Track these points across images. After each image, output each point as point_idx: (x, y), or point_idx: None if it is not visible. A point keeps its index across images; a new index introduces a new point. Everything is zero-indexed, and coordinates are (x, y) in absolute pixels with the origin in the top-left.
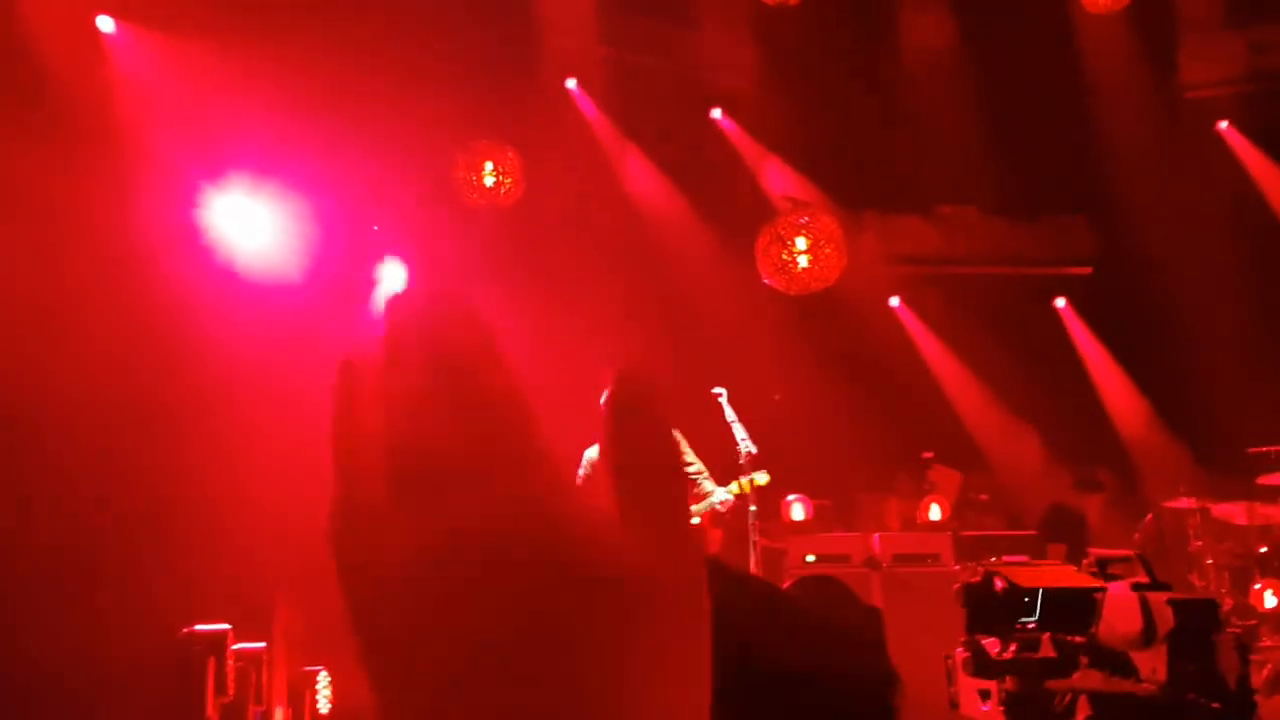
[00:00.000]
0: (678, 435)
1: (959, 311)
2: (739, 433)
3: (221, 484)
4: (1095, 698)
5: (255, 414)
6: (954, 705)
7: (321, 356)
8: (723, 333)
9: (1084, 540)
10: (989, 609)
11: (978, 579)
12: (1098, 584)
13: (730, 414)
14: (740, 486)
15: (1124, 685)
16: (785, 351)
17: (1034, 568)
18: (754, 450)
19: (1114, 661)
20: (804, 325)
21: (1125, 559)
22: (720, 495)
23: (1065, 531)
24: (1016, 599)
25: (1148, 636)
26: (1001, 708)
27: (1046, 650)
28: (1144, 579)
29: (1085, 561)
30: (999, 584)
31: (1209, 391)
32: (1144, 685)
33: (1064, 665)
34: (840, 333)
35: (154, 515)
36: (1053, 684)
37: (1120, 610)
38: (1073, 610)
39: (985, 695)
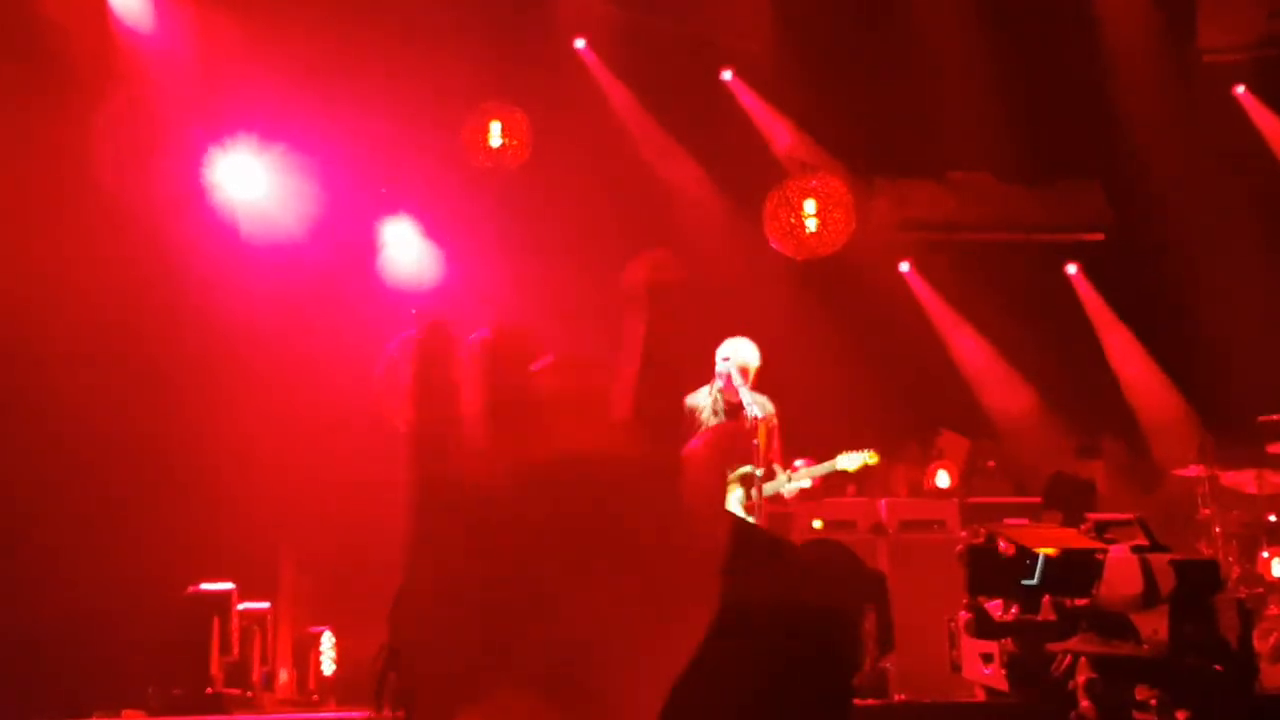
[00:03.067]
0: (771, 407)
1: (969, 277)
2: (745, 396)
3: (226, 443)
4: (1096, 659)
5: (261, 374)
6: (956, 668)
7: (326, 317)
8: (730, 296)
9: (1087, 508)
10: (992, 571)
11: (980, 541)
12: (1099, 546)
13: (737, 379)
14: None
15: (1125, 647)
16: (794, 316)
17: (1036, 530)
18: (759, 415)
19: (1115, 623)
20: (814, 290)
21: (1124, 523)
22: (785, 487)
23: (1064, 499)
24: (1020, 561)
25: (1149, 598)
26: (1003, 671)
27: (1047, 613)
28: (1144, 541)
29: (1083, 526)
30: (1003, 546)
31: (1220, 359)
32: (1145, 646)
33: (1065, 627)
34: (850, 298)
35: (159, 473)
36: (1053, 646)
37: (1121, 572)
38: (1075, 572)
39: (987, 659)
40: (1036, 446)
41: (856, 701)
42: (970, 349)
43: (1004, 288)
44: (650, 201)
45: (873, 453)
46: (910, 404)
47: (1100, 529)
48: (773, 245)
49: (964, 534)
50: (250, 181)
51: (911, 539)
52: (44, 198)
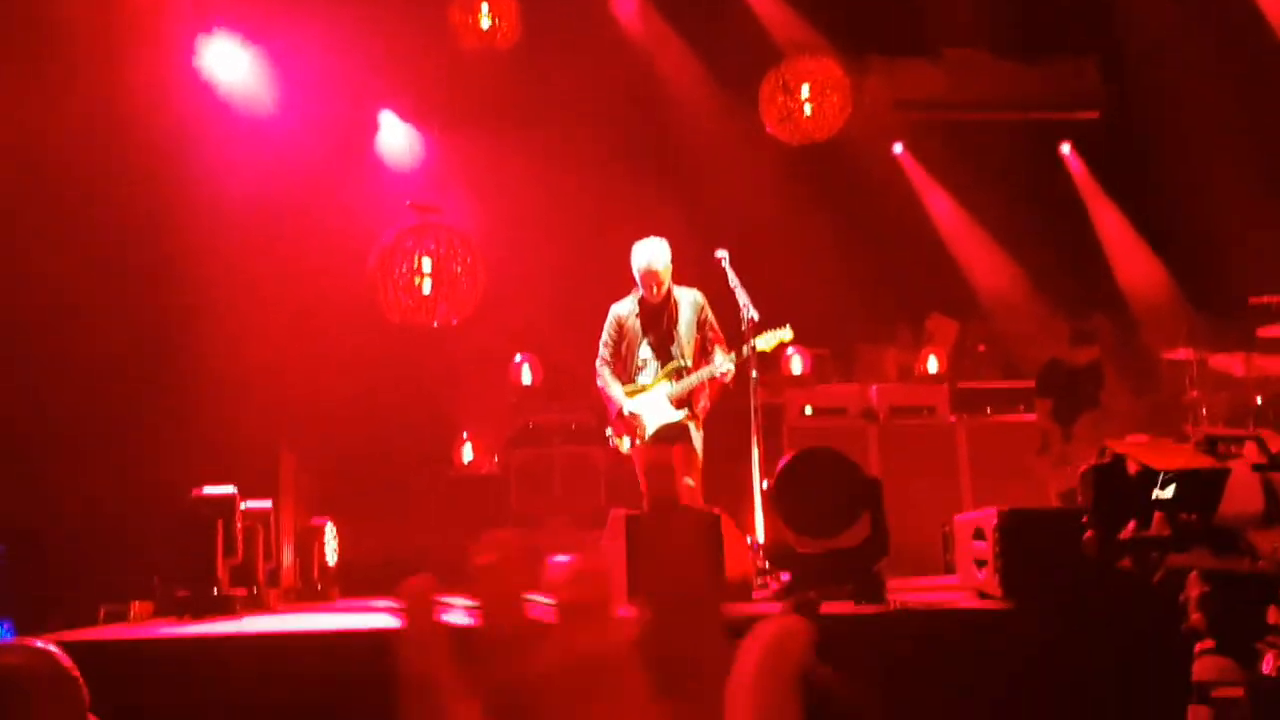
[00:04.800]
0: (700, 298)
1: (962, 158)
2: (741, 298)
3: (222, 336)
4: (1210, 574)
5: (253, 267)
6: (950, 571)
7: (317, 210)
8: (723, 182)
9: (1082, 395)
10: (1117, 490)
11: (1107, 460)
12: (1221, 464)
13: (733, 279)
14: (750, 350)
15: (1242, 563)
16: (785, 199)
17: (1158, 448)
18: (755, 317)
19: (1231, 540)
20: (805, 172)
21: (1237, 438)
22: (720, 366)
23: (1058, 388)
24: (1148, 481)
25: (1270, 516)
26: (996, 576)
27: (1161, 528)
28: (1262, 459)
29: (1196, 439)
30: (1132, 467)
31: (1214, 240)
32: (1262, 563)
33: (1180, 542)
34: (843, 181)
35: (157, 371)
36: (1175, 559)
37: (1243, 490)
38: (1198, 490)
39: (981, 563)
40: (1027, 329)
41: (854, 609)
42: (961, 230)
43: (997, 168)
44: (642, 86)
45: (788, 328)
46: (901, 287)
47: (1212, 443)
48: (768, 130)
49: (953, 420)
50: (237, 70)
51: (902, 424)
52: (25, 96)
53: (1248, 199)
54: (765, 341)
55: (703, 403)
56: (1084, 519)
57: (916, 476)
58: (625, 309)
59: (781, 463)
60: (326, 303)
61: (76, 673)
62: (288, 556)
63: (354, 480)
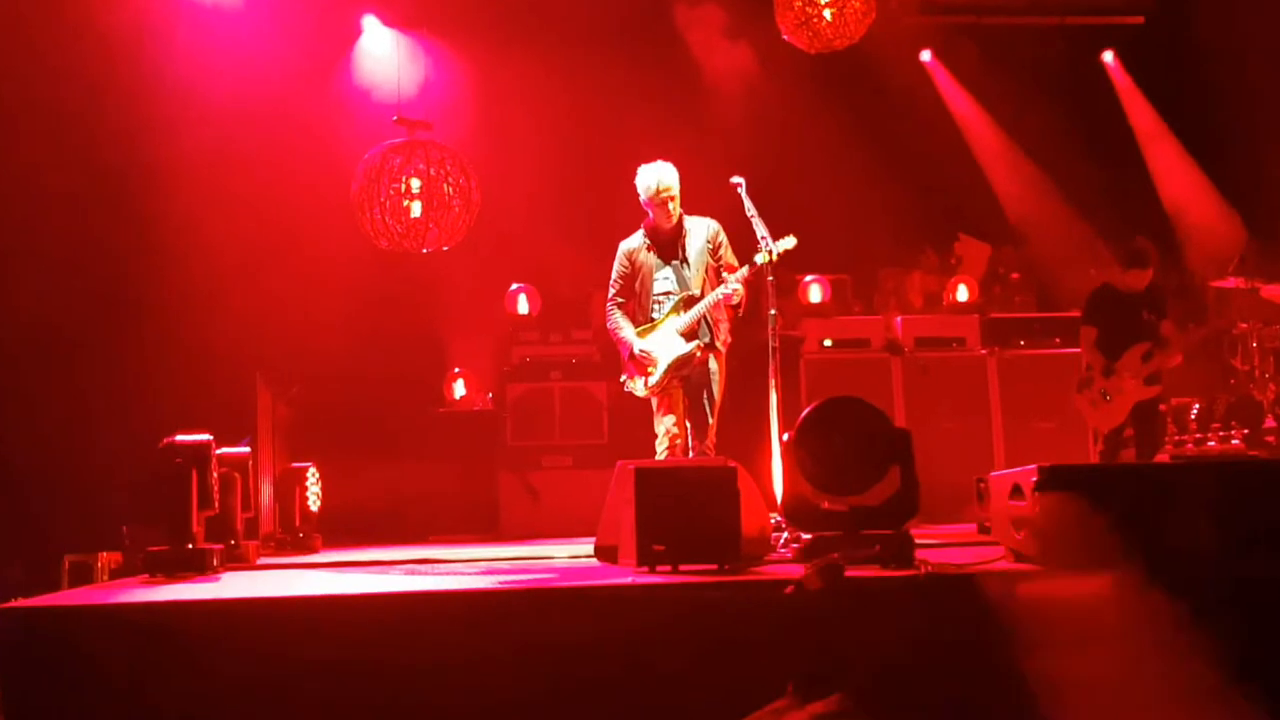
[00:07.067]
0: (715, 225)
1: (996, 67)
2: (759, 229)
3: (194, 264)
4: None
5: (229, 188)
6: (984, 530)
7: (298, 126)
8: (737, 94)
9: (1130, 326)
10: None
11: None
12: None
13: (750, 207)
14: (754, 264)
15: None
16: (804, 112)
17: None
18: (774, 249)
19: None
20: (824, 83)
21: None
22: (728, 286)
23: (1105, 314)
24: None
25: None
26: (1035, 538)
27: None
28: None
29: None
30: None
31: (1270, 159)
32: None
33: None
34: (864, 91)
35: (125, 301)
36: None
37: None
38: None
39: (1019, 524)
40: (1064, 255)
41: (881, 572)
42: (994, 146)
43: (1033, 78)
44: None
45: (791, 237)
46: (927, 207)
47: None
48: (785, 38)
49: (983, 353)
50: None
51: (928, 357)
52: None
53: None
54: (763, 256)
55: (723, 335)
56: None
57: (944, 414)
58: (635, 244)
59: (803, 413)
60: (306, 228)
61: None
62: (266, 497)
63: (338, 419)
